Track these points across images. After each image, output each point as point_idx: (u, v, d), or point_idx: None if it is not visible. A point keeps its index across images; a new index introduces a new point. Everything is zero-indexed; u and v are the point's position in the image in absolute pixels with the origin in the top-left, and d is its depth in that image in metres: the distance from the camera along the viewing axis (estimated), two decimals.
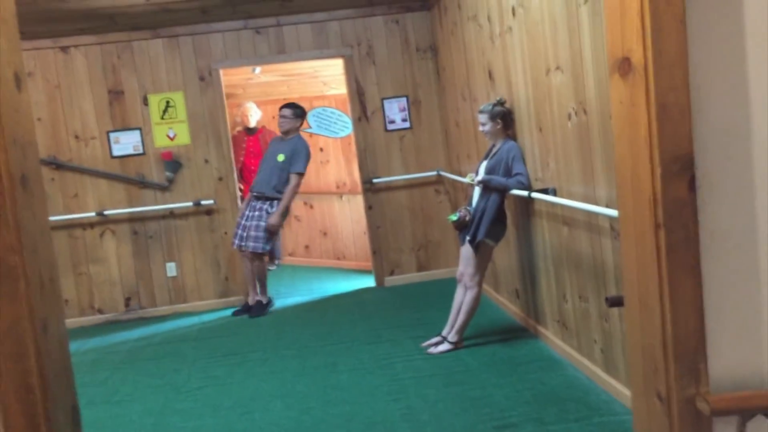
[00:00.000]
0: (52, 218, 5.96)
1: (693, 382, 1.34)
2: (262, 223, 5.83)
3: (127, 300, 6.29)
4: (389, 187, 6.52)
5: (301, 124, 6.07)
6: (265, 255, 6.06)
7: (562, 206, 3.81)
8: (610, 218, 3.22)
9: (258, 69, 7.24)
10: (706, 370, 1.33)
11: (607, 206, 3.22)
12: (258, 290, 6.06)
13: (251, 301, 6.05)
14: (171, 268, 6.29)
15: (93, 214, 6.16)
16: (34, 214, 1.36)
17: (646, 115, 1.35)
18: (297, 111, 5.97)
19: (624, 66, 1.41)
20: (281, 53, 6.33)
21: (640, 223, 1.41)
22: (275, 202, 5.85)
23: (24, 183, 1.33)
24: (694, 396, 1.34)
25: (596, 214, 3.40)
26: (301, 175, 5.87)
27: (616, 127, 1.48)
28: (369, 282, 6.71)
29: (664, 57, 1.32)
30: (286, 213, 5.99)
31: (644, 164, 1.37)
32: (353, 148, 6.82)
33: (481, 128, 4.42)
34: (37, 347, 1.31)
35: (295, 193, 5.92)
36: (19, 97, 1.35)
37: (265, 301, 6.05)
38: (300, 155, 5.85)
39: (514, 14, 4.23)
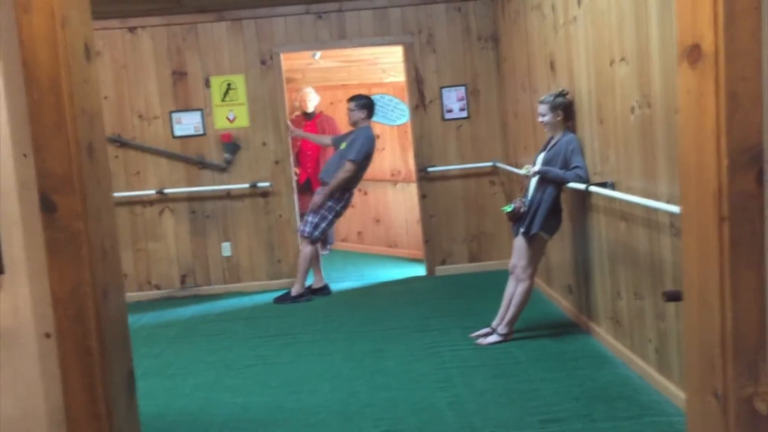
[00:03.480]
0: (115, 194, 6.13)
1: (751, 381, 1.29)
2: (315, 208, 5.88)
3: (183, 277, 6.43)
4: (444, 177, 6.49)
5: (368, 114, 5.95)
6: (313, 242, 5.91)
7: (621, 201, 3.73)
8: (671, 215, 3.14)
9: (318, 54, 7.28)
10: (766, 369, 1.29)
11: (668, 202, 3.14)
12: (298, 277, 5.97)
13: (315, 284, 6.10)
14: (226, 248, 6.41)
15: (153, 191, 6.31)
16: (98, 182, 1.41)
17: (714, 105, 1.30)
18: (360, 102, 5.93)
19: (693, 53, 1.36)
20: (342, 39, 6.35)
21: (703, 215, 1.37)
22: None
23: (90, 152, 1.37)
24: (752, 395, 1.29)
25: (656, 210, 3.31)
26: (353, 162, 5.76)
27: (683, 116, 1.44)
28: (420, 270, 6.71)
29: (736, 44, 1.27)
30: (346, 198, 5.93)
31: (710, 155, 1.32)
32: (409, 136, 6.81)
33: (540, 119, 4.35)
34: (97, 311, 1.36)
35: (343, 178, 5.77)
36: (88, 68, 1.39)
37: (294, 293, 5.94)
38: (356, 144, 5.81)
39: (579, 4, 4.14)
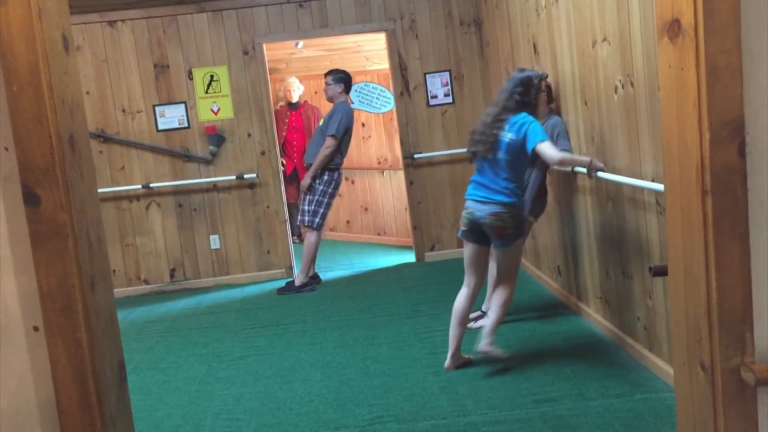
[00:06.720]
0: (100, 190, 6.08)
1: (738, 352, 1.31)
2: (308, 196, 5.83)
3: (172, 271, 6.41)
4: (431, 163, 6.49)
5: (345, 89, 5.86)
6: (316, 230, 5.84)
7: (607, 181, 3.75)
8: (656, 193, 3.16)
9: (301, 43, 7.24)
10: (752, 340, 1.30)
11: (653, 181, 3.16)
12: (300, 267, 5.96)
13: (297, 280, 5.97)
14: (214, 241, 6.39)
15: (139, 186, 6.28)
16: (81, 174, 1.40)
17: (695, 79, 1.31)
18: (336, 76, 5.83)
19: (673, 28, 1.37)
20: (324, 27, 6.32)
21: (686, 190, 1.38)
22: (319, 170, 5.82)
23: (72, 143, 1.36)
24: (739, 366, 1.31)
25: (642, 189, 3.34)
26: (334, 137, 5.65)
27: (664, 92, 1.44)
28: (409, 257, 6.72)
29: (715, 18, 1.27)
30: (336, 178, 5.82)
31: (692, 129, 1.33)
32: (395, 123, 6.80)
33: None
34: (85, 304, 1.35)
35: (326, 155, 5.67)
36: (67, 59, 1.38)
37: (298, 282, 5.90)
38: (334, 118, 5.71)
39: None
